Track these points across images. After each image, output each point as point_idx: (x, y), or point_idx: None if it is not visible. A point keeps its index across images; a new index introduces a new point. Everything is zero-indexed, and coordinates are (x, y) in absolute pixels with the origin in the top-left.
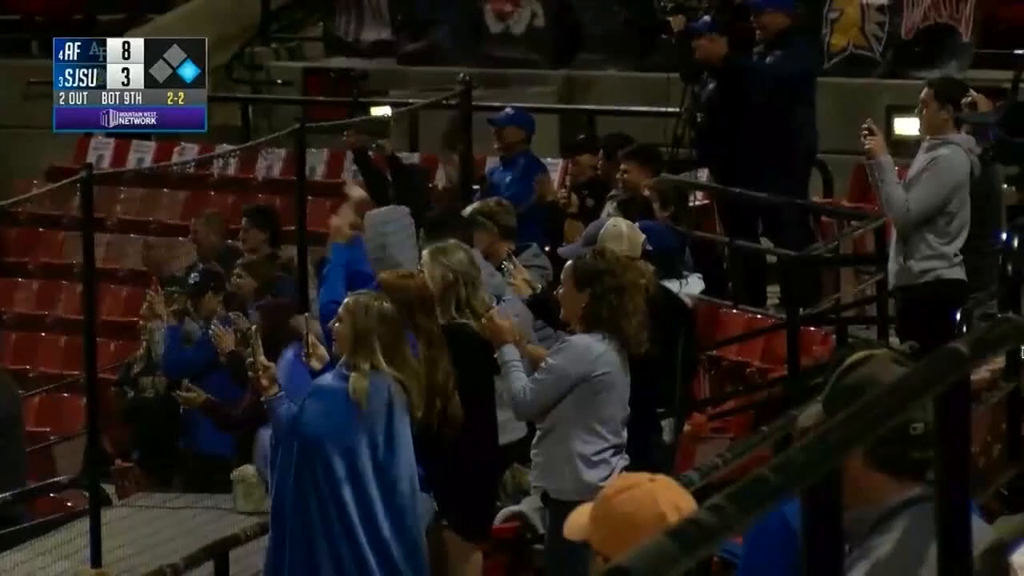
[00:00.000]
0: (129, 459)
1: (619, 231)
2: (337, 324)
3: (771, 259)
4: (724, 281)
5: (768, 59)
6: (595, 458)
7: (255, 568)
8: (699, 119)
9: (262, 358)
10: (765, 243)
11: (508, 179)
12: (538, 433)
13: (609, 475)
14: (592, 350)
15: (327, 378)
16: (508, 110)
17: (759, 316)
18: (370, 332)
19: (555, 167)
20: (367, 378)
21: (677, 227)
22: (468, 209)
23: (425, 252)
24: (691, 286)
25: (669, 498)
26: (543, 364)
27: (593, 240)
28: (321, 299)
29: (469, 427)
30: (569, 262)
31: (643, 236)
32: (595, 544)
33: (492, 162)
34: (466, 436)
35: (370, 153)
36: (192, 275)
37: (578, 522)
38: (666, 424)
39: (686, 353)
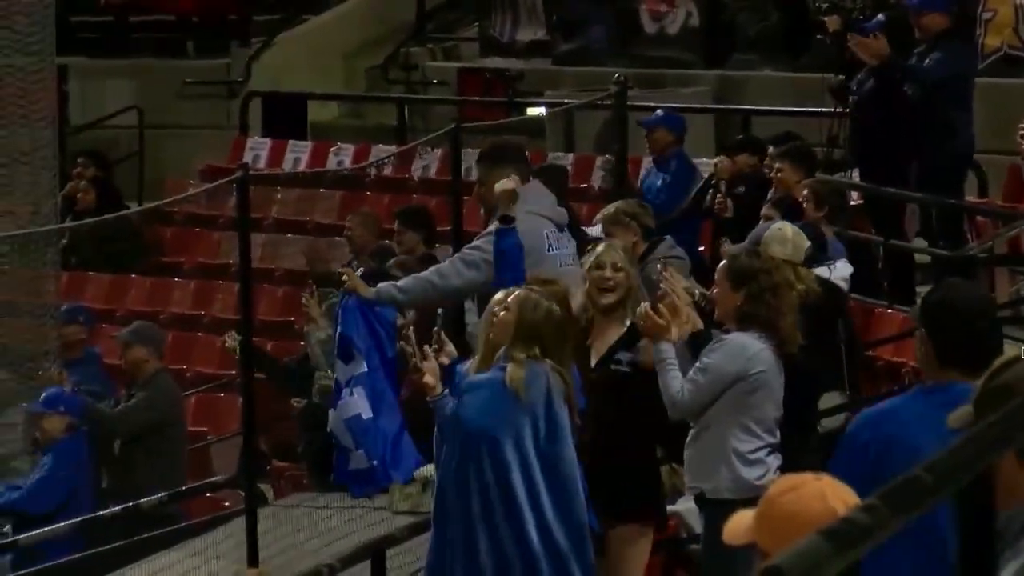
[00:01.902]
0: (286, 459)
1: (784, 235)
2: (503, 312)
3: (925, 259)
4: (879, 281)
5: (926, 61)
6: (751, 456)
7: (411, 568)
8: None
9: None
10: (920, 243)
11: (660, 183)
12: (692, 432)
13: (765, 474)
14: (748, 348)
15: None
16: (659, 112)
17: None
18: (535, 329)
19: (707, 167)
20: (524, 367)
21: (833, 227)
22: (611, 207)
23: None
24: (840, 270)
25: (838, 495)
26: (699, 363)
27: (759, 241)
28: (501, 282)
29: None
30: (723, 261)
31: (808, 242)
32: (763, 545)
33: (647, 162)
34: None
35: None
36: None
37: (740, 525)
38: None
39: (848, 334)
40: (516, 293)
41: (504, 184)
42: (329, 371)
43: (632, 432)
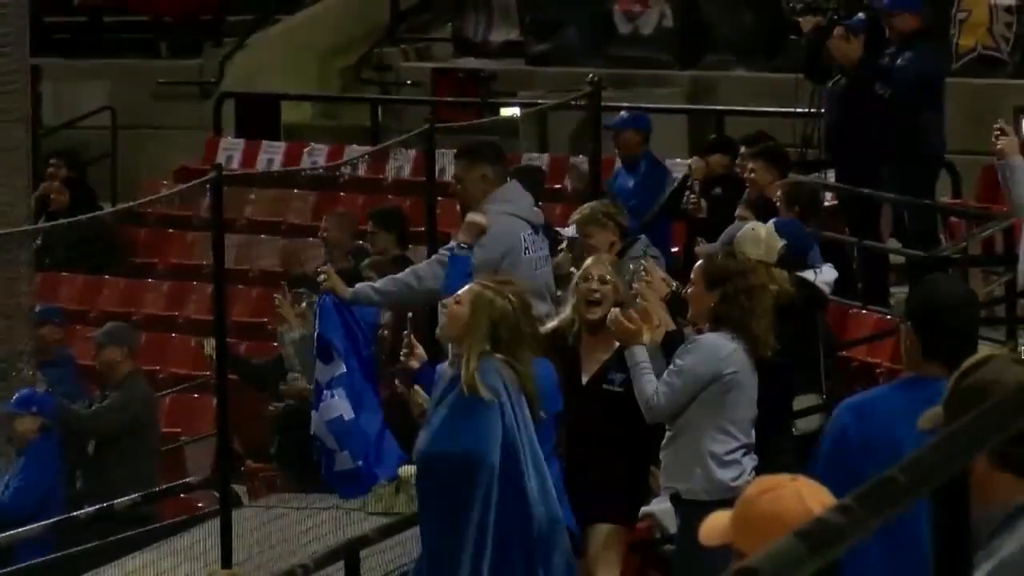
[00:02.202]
0: (260, 459)
1: (757, 235)
2: (455, 304)
3: (897, 260)
4: (853, 282)
5: (898, 61)
6: (727, 457)
7: (385, 568)
8: (827, 120)
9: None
10: (893, 243)
11: (631, 184)
12: (668, 434)
13: (740, 475)
14: (721, 349)
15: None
16: (623, 114)
17: (888, 317)
18: (486, 324)
19: (681, 168)
20: (474, 370)
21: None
22: (587, 207)
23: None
24: (825, 274)
25: (815, 496)
26: (672, 366)
27: (731, 241)
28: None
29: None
30: (699, 261)
31: (781, 242)
32: (738, 546)
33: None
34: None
35: None
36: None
37: (716, 526)
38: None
39: (827, 337)
40: (469, 287)
41: (475, 217)
42: (301, 373)
43: (623, 448)
